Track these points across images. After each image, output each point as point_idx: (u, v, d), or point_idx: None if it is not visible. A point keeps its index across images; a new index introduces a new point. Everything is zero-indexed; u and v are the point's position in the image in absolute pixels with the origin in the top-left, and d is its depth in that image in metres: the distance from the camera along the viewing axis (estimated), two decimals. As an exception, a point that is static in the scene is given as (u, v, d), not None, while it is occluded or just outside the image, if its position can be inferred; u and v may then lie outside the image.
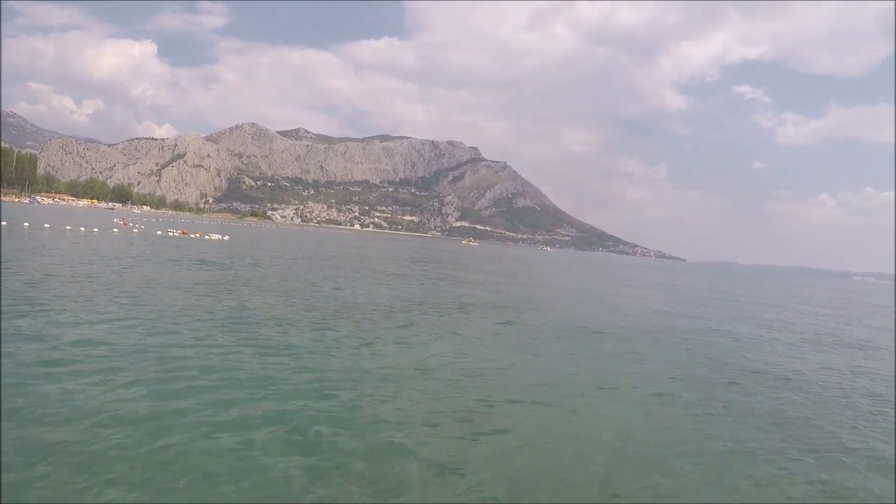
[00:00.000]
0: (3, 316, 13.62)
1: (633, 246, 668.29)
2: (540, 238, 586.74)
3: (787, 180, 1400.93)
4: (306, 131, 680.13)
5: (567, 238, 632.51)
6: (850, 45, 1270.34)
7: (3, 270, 21.02)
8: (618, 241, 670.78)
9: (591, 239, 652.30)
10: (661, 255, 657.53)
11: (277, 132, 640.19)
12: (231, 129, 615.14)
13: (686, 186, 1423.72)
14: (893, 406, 14.46)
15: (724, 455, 9.59)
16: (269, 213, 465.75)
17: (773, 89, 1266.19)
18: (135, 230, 67.96)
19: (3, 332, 12.18)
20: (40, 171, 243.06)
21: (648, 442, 9.95)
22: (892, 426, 12.53)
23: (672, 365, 16.65)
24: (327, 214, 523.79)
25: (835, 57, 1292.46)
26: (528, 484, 7.79)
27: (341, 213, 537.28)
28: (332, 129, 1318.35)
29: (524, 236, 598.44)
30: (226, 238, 73.19)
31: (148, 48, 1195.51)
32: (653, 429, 10.67)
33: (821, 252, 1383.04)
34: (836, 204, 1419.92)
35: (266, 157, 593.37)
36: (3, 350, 10.90)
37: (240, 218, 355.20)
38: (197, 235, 72.11)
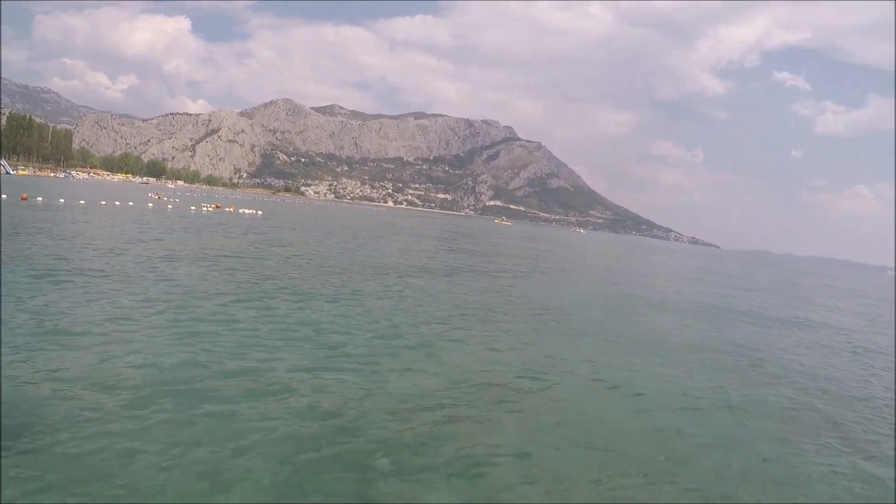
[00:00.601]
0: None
1: (667, 230, 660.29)
2: (573, 219, 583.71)
3: (825, 170, 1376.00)
4: (341, 108, 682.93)
5: (600, 220, 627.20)
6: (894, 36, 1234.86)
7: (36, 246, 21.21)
8: (651, 225, 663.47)
9: (624, 222, 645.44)
10: (695, 241, 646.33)
11: (312, 108, 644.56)
12: (265, 105, 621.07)
13: (722, 172, 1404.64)
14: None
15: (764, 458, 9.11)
16: (303, 188, 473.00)
17: (814, 77, 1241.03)
18: (169, 205, 69.00)
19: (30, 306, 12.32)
20: (75, 146, 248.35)
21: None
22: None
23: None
24: (360, 191, 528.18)
25: (878, 47, 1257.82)
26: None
27: (374, 190, 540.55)
28: (367, 106, 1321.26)
29: (557, 217, 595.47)
30: (259, 213, 74.82)
31: (182, 24, 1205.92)
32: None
33: (856, 244, 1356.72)
34: (873, 196, 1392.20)
35: (300, 133, 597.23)
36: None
37: (273, 193, 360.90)
38: (231, 210, 73.49)
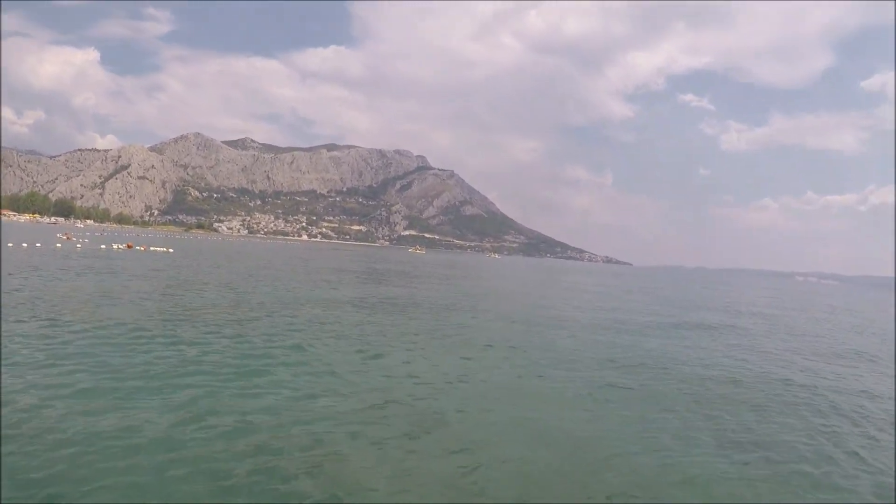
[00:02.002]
0: None
1: (581, 251, 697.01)
2: (488, 245, 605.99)
3: (731, 186, 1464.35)
4: (252, 141, 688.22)
5: (515, 245, 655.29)
6: (793, 57, 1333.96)
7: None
8: (565, 247, 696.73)
9: (538, 245, 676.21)
10: (609, 260, 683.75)
11: (223, 142, 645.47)
12: (176, 140, 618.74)
13: (632, 192, 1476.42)
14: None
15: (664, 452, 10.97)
16: (216, 224, 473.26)
17: (718, 98, 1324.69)
18: (78, 245, 69.28)
19: None
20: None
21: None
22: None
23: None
24: (274, 225, 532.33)
25: (778, 67, 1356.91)
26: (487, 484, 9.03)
27: (288, 224, 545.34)
28: (278, 139, 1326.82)
29: (472, 243, 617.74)
30: (170, 251, 74.93)
31: (90, 56, 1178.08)
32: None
33: (764, 254, 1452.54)
34: (778, 208, 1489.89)
35: (212, 167, 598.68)
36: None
37: (186, 230, 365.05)
38: (142, 249, 73.32)
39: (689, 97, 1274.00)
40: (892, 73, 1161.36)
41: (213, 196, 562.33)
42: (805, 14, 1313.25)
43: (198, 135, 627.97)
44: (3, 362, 12.69)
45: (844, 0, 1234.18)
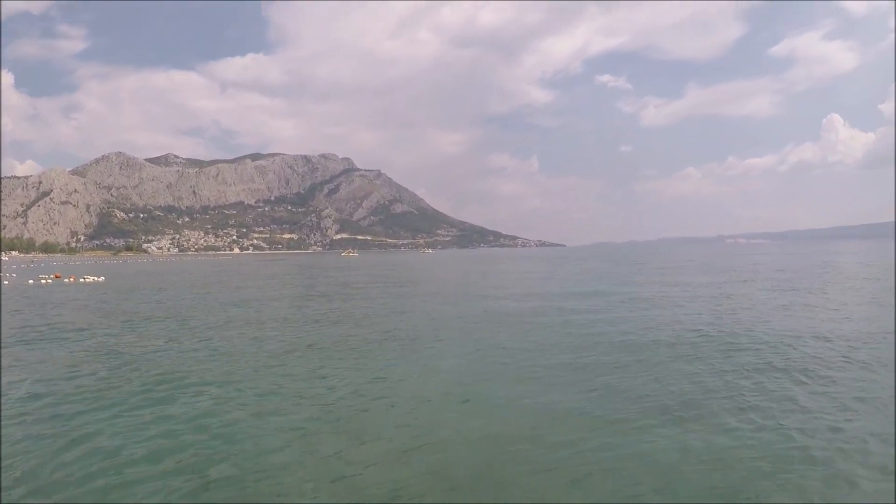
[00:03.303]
0: None
1: (514, 238, 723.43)
2: (421, 241, 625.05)
3: (654, 159, 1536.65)
4: (176, 156, 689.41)
5: (448, 238, 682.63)
6: (705, 30, 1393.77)
7: None
8: (498, 235, 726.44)
9: (471, 236, 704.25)
10: (542, 244, 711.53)
11: (146, 160, 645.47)
12: (97, 161, 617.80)
13: (558, 175, 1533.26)
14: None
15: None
16: (145, 245, 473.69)
17: (634, 76, 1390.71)
18: (5, 281, 67.33)
19: None
20: None
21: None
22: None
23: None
24: (205, 241, 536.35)
25: (691, 42, 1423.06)
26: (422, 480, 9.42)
27: (219, 239, 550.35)
28: (202, 153, 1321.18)
29: (405, 241, 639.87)
30: (101, 279, 72.74)
31: (5, 78, 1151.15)
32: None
33: (693, 222, 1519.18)
34: (701, 176, 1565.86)
35: (136, 186, 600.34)
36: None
37: (115, 254, 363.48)
38: (71, 280, 70.74)
39: (606, 78, 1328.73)
40: (800, 38, 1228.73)
41: (139, 216, 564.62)
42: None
43: (119, 154, 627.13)
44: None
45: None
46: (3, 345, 21.64)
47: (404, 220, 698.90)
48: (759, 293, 40.75)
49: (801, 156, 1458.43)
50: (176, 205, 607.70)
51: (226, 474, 9.61)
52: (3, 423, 12.01)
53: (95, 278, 72.81)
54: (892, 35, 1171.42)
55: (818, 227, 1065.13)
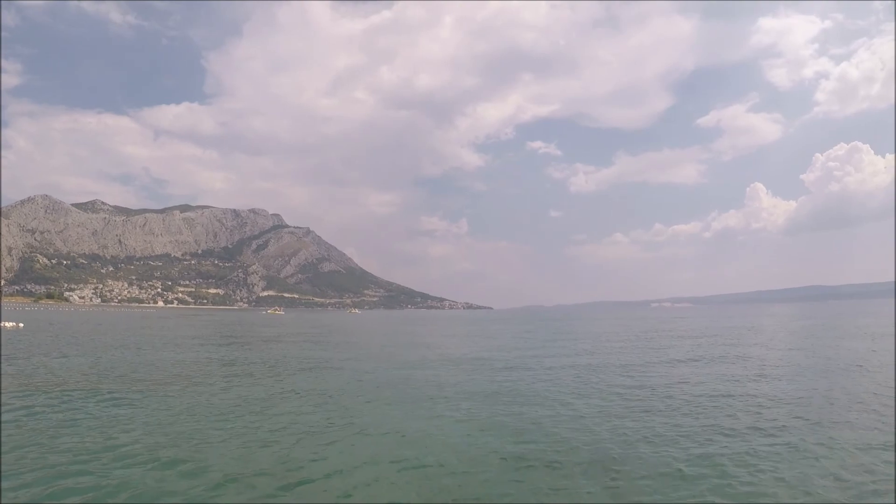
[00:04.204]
0: None
1: (442, 300, 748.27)
2: (348, 301, 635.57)
3: (582, 225, 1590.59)
4: (103, 203, 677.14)
5: (375, 298, 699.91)
6: (635, 100, 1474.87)
7: None
8: (426, 297, 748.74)
9: (398, 297, 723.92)
10: (469, 306, 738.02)
11: (72, 205, 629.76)
12: (22, 202, 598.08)
13: (488, 239, 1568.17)
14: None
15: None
16: (67, 293, 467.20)
17: (565, 143, 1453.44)
18: None
19: None
20: None
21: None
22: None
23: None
24: (128, 292, 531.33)
25: (621, 111, 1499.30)
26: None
27: (143, 291, 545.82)
28: (130, 201, 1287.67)
29: (332, 300, 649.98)
30: (21, 325, 73.32)
31: None
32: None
33: (619, 286, 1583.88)
34: (629, 241, 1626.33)
35: (60, 232, 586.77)
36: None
37: (35, 301, 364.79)
38: None
39: (537, 144, 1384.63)
40: (727, 109, 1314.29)
41: (62, 263, 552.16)
42: (645, 60, 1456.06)
43: (45, 197, 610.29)
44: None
45: (680, 44, 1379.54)
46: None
47: (332, 280, 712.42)
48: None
49: (725, 223, 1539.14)
50: (101, 253, 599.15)
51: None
52: None
53: (15, 324, 75.21)
54: (816, 108, 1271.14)
55: (742, 292, 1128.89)
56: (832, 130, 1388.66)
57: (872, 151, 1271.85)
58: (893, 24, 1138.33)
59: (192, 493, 12.53)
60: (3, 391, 23.46)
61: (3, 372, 29.33)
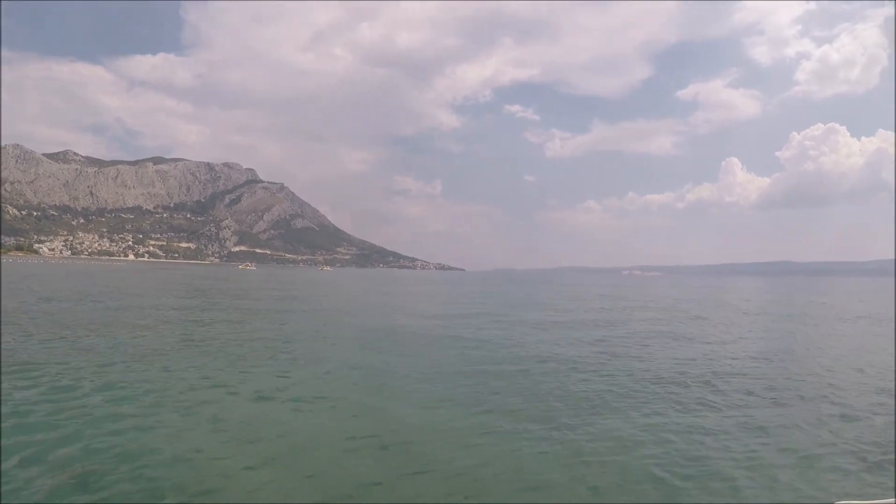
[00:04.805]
0: None
1: (414, 260, 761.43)
2: (320, 258, 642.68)
3: (557, 190, 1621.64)
4: (75, 154, 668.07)
5: (347, 256, 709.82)
6: (615, 69, 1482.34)
7: None
8: (398, 256, 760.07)
9: (371, 256, 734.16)
10: (442, 267, 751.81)
11: (44, 155, 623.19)
12: None
13: (462, 200, 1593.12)
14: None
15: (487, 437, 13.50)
16: (37, 245, 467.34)
17: (542, 108, 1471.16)
18: None
19: None
20: None
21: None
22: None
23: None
24: (99, 245, 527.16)
25: (600, 79, 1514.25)
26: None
27: (114, 244, 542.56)
28: (102, 152, 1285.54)
29: (304, 257, 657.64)
30: None
31: None
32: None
33: (591, 252, 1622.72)
34: (601, 209, 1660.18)
35: (31, 182, 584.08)
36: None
37: (5, 253, 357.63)
38: None
39: (515, 108, 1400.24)
40: (706, 84, 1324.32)
41: (32, 214, 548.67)
42: (627, 29, 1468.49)
43: (17, 146, 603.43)
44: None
45: (663, 17, 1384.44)
46: None
47: (305, 236, 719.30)
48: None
49: (699, 195, 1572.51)
50: (72, 205, 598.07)
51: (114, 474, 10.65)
52: None
53: None
54: (795, 87, 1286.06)
55: (712, 263, 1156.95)
56: (810, 110, 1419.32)
57: (849, 134, 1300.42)
58: (878, 10, 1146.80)
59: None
60: None
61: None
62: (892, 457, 13.02)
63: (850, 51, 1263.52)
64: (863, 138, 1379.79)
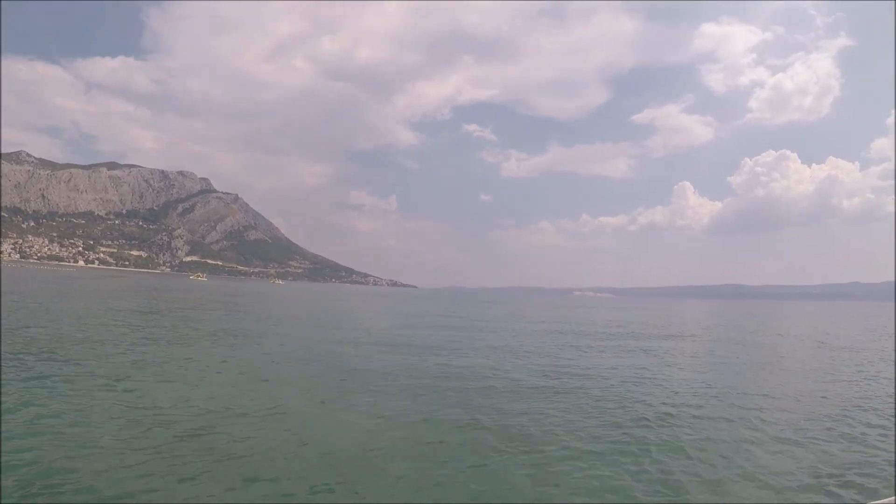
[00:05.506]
0: None
1: (366, 275, 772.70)
2: (272, 271, 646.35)
3: (511, 210, 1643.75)
4: (28, 155, 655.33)
5: (300, 270, 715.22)
6: (572, 92, 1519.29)
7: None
8: (350, 272, 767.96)
9: (323, 270, 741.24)
10: (394, 283, 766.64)
11: None
12: None
13: (416, 217, 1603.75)
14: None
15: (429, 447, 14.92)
16: None
17: (500, 128, 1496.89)
18: None
19: None
20: None
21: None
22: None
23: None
24: (49, 249, 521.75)
25: (558, 101, 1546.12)
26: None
27: (64, 248, 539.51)
28: (56, 155, 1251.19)
29: (256, 270, 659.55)
30: None
31: None
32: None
33: (543, 273, 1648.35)
34: (555, 230, 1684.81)
35: None
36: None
37: None
38: None
39: (472, 127, 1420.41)
40: (661, 108, 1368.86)
41: None
42: (586, 53, 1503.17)
43: None
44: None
45: (622, 42, 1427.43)
46: None
47: (257, 248, 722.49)
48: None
49: (651, 218, 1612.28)
50: (23, 207, 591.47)
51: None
52: None
53: None
54: (748, 115, 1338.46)
55: (663, 286, 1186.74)
56: (762, 137, 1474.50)
57: (799, 160, 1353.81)
58: (832, 41, 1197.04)
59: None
60: None
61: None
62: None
63: (804, 80, 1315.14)
64: (813, 165, 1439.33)
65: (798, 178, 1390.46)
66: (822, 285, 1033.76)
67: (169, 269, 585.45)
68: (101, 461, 12.82)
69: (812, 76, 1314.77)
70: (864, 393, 26.67)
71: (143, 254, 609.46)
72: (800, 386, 28.59)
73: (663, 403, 22.01)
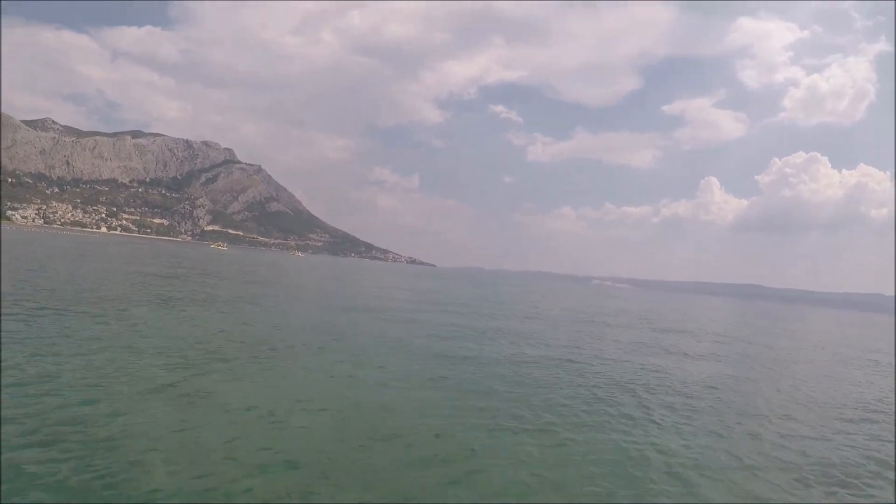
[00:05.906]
0: None
1: (385, 251, 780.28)
2: (293, 243, 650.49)
3: (534, 194, 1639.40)
4: (54, 122, 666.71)
5: (320, 243, 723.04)
6: (602, 78, 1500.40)
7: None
8: (370, 247, 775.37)
9: (343, 244, 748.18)
10: (413, 261, 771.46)
11: (22, 121, 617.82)
12: None
13: (438, 196, 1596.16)
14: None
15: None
16: (10, 213, 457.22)
17: (527, 111, 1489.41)
18: None
19: None
20: None
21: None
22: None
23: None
24: (72, 216, 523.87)
25: (586, 87, 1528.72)
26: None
27: (87, 215, 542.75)
28: (81, 122, 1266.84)
29: (276, 241, 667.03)
30: None
31: None
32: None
33: (563, 259, 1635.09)
34: (576, 216, 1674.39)
35: (8, 148, 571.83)
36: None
37: None
38: None
39: (499, 108, 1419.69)
40: (693, 101, 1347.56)
41: (7, 180, 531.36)
42: (618, 39, 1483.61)
43: None
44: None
45: (656, 31, 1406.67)
46: None
47: (278, 220, 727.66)
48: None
49: (675, 210, 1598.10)
50: (47, 173, 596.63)
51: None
52: None
53: None
54: (781, 114, 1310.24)
55: (682, 280, 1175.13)
56: (793, 138, 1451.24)
57: (829, 164, 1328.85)
58: (871, 45, 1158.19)
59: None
60: None
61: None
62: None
63: (840, 82, 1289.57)
64: (843, 170, 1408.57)
65: (827, 182, 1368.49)
66: (844, 293, 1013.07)
67: (190, 238, 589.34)
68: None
69: (848, 79, 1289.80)
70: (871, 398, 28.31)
71: (165, 222, 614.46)
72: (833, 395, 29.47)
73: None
